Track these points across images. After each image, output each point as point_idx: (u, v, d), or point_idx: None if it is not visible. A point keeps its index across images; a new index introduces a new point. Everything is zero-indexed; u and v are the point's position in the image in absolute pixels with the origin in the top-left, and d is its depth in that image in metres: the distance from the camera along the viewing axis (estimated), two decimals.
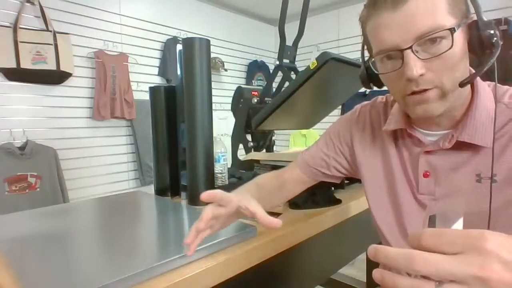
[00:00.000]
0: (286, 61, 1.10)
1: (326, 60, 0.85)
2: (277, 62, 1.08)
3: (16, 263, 0.54)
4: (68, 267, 0.52)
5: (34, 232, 0.69)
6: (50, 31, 2.04)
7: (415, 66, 0.48)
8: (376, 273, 0.28)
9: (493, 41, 0.48)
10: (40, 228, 0.72)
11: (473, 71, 0.55)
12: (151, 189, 1.10)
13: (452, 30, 0.47)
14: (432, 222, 0.32)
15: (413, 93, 0.51)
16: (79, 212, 0.86)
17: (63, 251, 0.59)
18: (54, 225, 0.74)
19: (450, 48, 0.47)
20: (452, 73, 0.50)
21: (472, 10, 0.51)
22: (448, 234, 0.27)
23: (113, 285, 0.46)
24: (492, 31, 0.48)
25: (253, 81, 3.40)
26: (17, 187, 1.92)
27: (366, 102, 0.74)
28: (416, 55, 0.48)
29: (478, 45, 0.49)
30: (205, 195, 0.52)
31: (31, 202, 1.94)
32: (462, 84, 0.50)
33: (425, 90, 0.50)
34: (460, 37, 0.49)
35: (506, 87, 0.57)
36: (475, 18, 0.50)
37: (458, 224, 0.32)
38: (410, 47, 0.48)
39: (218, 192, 0.53)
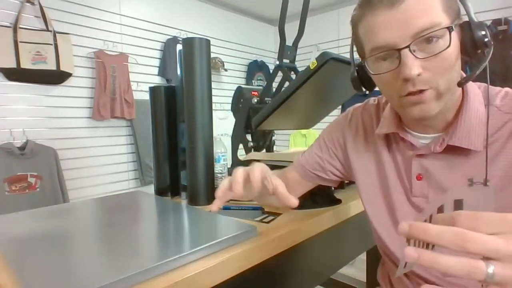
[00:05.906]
0: (286, 61, 1.10)
1: (326, 60, 0.85)
2: (277, 62, 1.08)
3: (16, 263, 0.54)
4: (68, 267, 0.52)
5: (34, 232, 0.69)
6: (50, 31, 2.04)
7: (413, 65, 0.47)
8: (411, 251, 0.28)
9: (486, 41, 0.48)
10: (40, 228, 0.72)
11: (464, 74, 0.54)
12: (151, 189, 1.10)
13: (450, 29, 0.46)
14: (458, 206, 0.32)
15: (409, 93, 0.50)
16: (79, 212, 0.86)
17: (63, 251, 0.59)
18: (54, 225, 0.74)
19: (447, 47, 0.47)
20: (448, 73, 0.49)
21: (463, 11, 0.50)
22: (484, 217, 0.28)
23: (113, 285, 0.46)
24: (484, 32, 0.48)
25: (253, 81, 3.40)
26: (17, 187, 1.92)
27: (358, 104, 0.73)
28: (413, 55, 0.47)
29: (471, 45, 0.49)
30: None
31: (31, 202, 1.94)
32: (460, 83, 0.50)
33: (421, 91, 0.49)
34: (455, 37, 0.49)
35: (497, 88, 0.56)
36: (465, 19, 0.50)
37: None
38: (408, 46, 0.47)
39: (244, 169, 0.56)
